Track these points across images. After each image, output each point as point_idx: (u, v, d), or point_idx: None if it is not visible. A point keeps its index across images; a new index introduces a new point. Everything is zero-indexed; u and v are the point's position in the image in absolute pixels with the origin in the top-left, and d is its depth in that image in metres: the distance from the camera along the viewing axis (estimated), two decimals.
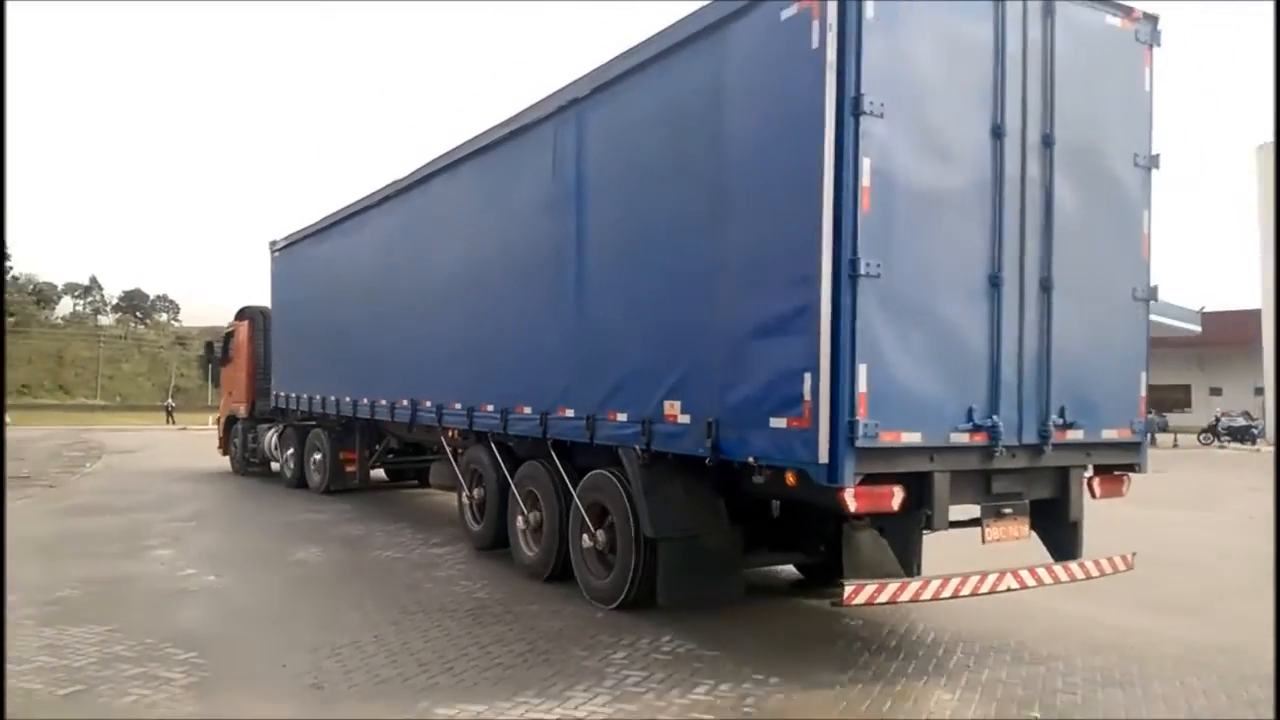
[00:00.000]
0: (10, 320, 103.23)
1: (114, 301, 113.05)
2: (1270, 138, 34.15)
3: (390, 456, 15.28)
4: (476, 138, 9.70)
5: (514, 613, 7.43)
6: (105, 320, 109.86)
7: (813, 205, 5.45)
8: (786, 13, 5.76)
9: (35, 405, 77.96)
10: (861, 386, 5.37)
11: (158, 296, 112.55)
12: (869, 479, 5.50)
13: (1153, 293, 6.70)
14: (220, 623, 7.14)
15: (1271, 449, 31.13)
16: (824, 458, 5.42)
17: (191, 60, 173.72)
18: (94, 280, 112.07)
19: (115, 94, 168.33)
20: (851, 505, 5.49)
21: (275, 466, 17.66)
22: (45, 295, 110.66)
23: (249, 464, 18.81)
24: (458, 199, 10.24)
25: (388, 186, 12.04)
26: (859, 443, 5.35)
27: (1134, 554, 6.71)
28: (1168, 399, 43.57)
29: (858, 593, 5.64)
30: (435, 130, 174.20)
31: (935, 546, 6.79)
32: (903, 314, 5.58)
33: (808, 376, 5.50)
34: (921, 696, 5.49)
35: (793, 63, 5.70)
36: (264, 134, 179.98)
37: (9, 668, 5.71)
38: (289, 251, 16.59)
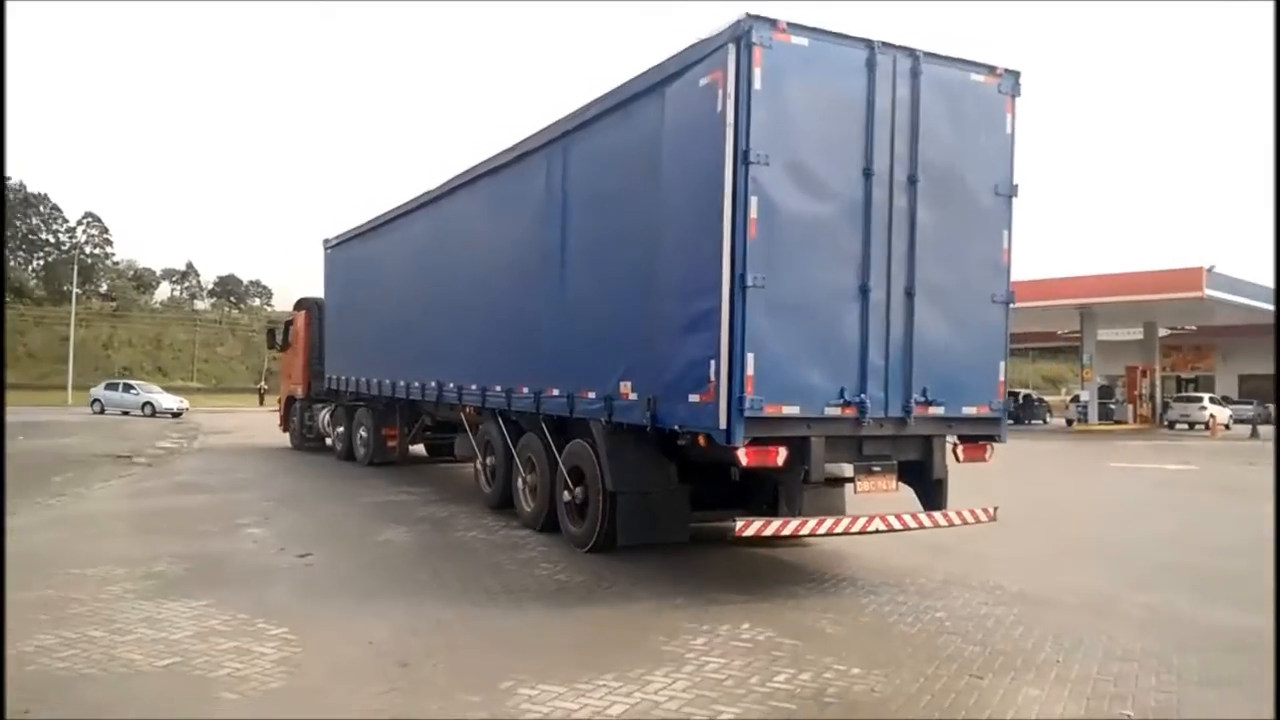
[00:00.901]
0: (111, 305, 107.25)
1: (210, 287, 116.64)
2: None
3: (427, 433, 16.70)
4: (490, 159, 11.39)
5: (595, 597, 7.48)
6: (201, 305, 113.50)
7: (716, 232, 7.02)
8: (703, 81, 7.35)
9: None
10: (749, 370, 6.94)
11: (251, 282, 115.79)
12: (756, 441, 7.08)
13: (1010, 296, 8.18)
14: (310, 600, 7.33)
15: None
16: (723, 424, 7.01)
17: (284, 60, 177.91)
18: (190, 266, 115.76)
19: (214, 89, 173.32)
20: (743, 461, 7.09)
21: (329, 442, 19.46)
22: (144, 280, 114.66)
23: (305, 440, 20.87)
24: (474, 212, 12.07)
25: (420, 196, 13.92)
26: (747, 413, 6.93)
27: (996, 508, 8.33)
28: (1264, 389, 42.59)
29: (747, 527, 7.32)
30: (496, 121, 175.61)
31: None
32: (784, 315, 7.13)
33: (713, 363, 7.07)
34: (1009, 692, 5.36)
35: (704, 120, 7.27)
36: (347, 125, 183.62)
37: (113, 637, 5.95)
38: (339, 249, 18.77)
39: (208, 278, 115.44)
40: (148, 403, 41.69)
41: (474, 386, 11.55)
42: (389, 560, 9.03)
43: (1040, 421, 46.06)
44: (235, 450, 21.81)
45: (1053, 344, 57.90)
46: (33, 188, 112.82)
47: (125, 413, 40.74)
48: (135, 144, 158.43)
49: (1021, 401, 46.21)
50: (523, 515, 10.58)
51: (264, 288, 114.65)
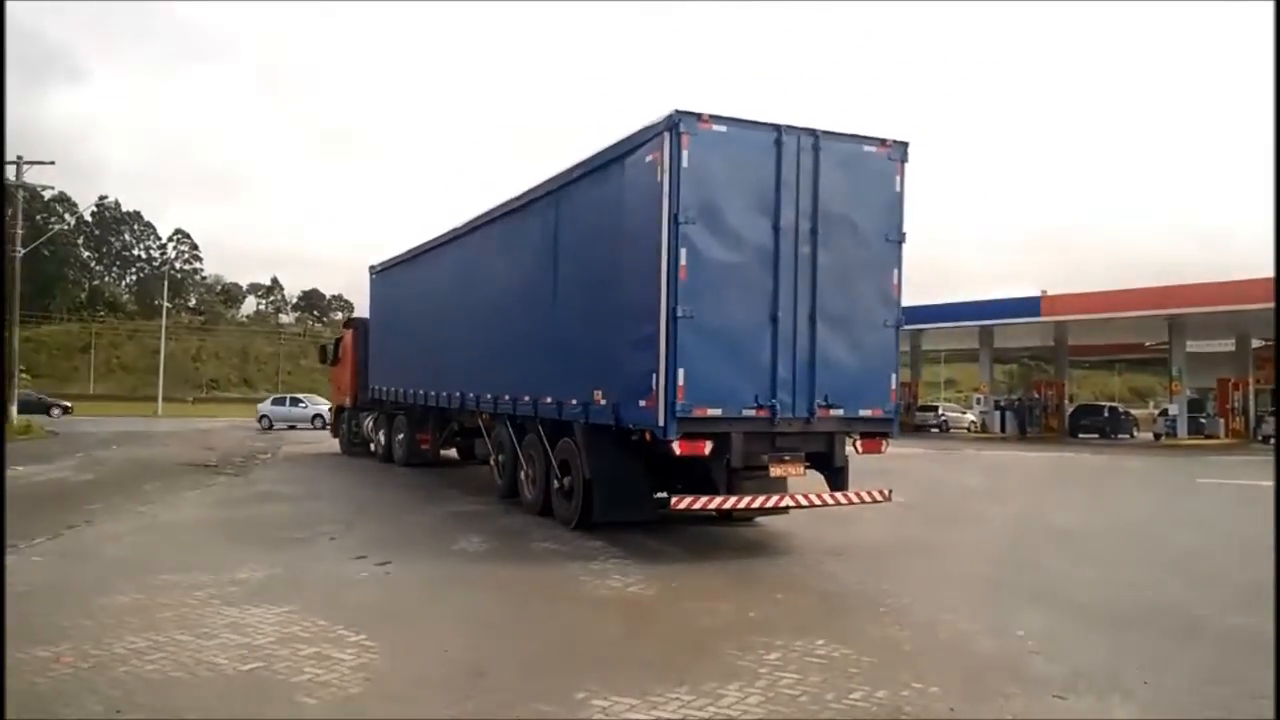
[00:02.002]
0: (200, 318, 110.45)
1: (294, 301, 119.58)
2: None
3: (456, 438, 18.76)
4: (501, 204, 13.49)
5: (667, 609, 7.48)
6: (285, 319, 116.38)
7: (655, 275, 9.05)
8: (648, 158, 9.38)
9: (223, 398, 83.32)
10: (680, 381, 8.92)
11: (333, 296, 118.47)
12: (687, 435, 9.06)
13: (899, 321, 10.03)
14: (388, 607, 7.44)
15: None
16: (661, 423, 9.00)
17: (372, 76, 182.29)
18: (275, 281, 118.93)
19: (301, 124, 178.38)
20: (677, 451, 9.05)
21: (372, 447, 21.61)
22: (232, 295, 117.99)
23: (353, 444, 23.00)
24: (489, 248, 14.21)
25: (448, 232, 16.20)
26: (679, 414, 8.94)
27: (890, 490, 10.25)
28: None
29: (680, 501, 9.31)
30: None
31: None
32: (708, 338, 9.05)
33: (654, 375, 9.08)
34: (1094, 713, 5.21)
35: (648, 188, 9.28)
36: (421, 146, 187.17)
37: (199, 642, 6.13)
38: (382, 274, 21.13)
39: (292, 292, 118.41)
40: (318, 415, 39.40)
41: (489, 396, 13.69)
42: (464, 569, 9.15)
43: (1127, 435, 44.70)
44: (313, 459, 22.29)
45: (1140, 355, 56.32)
46: (127, 206, 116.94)
47: (292, 426, 39.29)
48: (224, 163, 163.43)
49: (1108, 415, 44.91)
50: (525, 502, 12.62)
51: (345, 302, 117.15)
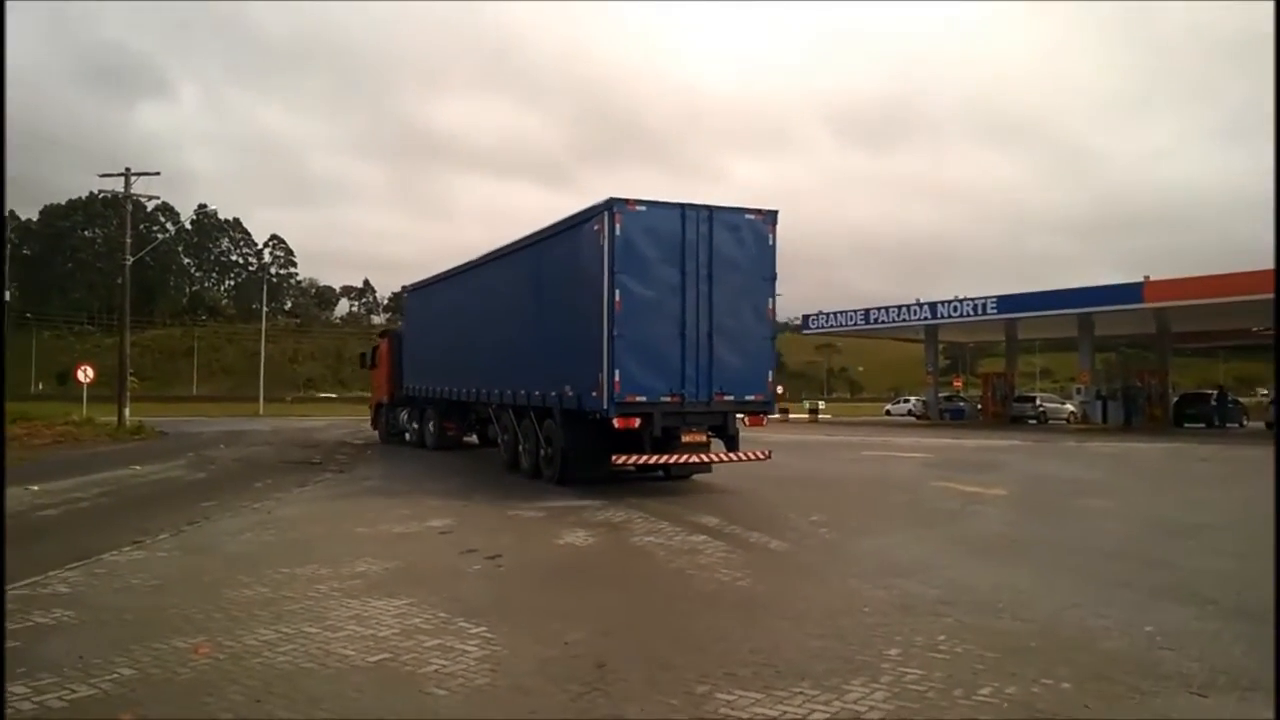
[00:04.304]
0: (295, 321, 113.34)
1: (384, 302, 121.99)
2: None
3: (475, 425, 23.26)
4: (507, 245, 17.89)
5: (781, 603, 7.42)
6: (377, 319, 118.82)
7: (600, 307, 13.27)
8: (595, 227, 13.56)
9: (318, 398, 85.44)
10: (617, 378, 13.13)
11: None
12: (622, 414, 13.28)
13: (773, 334, 14.51)
14: (504, 599, 7.54)
15: None
16: (606, 406, 13.22)
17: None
18: (367, 283, 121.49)
19: (391, 131, 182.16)
20: (616, 425, 13.30)
21: (406, 436, 25.90)
22: (325, 297, 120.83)
23: (390, 434, 27.18)
24: (497, 278, 18.46)
25: (467, 263, 20.69)
26: (617, 400, 13.14)
27: (770, 450, 14.93)
28: None
29: (617, 459, 13.65)
30: None
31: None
32: (635, 349, 13.28)
33: (600, 374, 13.27)
34: (1237, 712, 5.00)
35: (595, 248, 13.52)
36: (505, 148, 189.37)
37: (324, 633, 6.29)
38: (414, 294, 26.04)
39: (383, 294, 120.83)
40: None
41: (496, 391, 17.99)
42: (574, 563, 9.23)
43: (1237, 424, 42.98)
44: (410, 455, 22.70)
45: (1246, 342, 54.05)
46: (224, 214, 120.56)
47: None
48: (316, 170, 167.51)
49: (1215, 403, 43.13)
50: (522, 468, 17.06)
51: None
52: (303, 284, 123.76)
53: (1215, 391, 44.86)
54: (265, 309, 75.28)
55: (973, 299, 43.96)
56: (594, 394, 13.47)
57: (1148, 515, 12.96)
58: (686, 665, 5.70)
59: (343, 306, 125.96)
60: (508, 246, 17.75)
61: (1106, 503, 14.16)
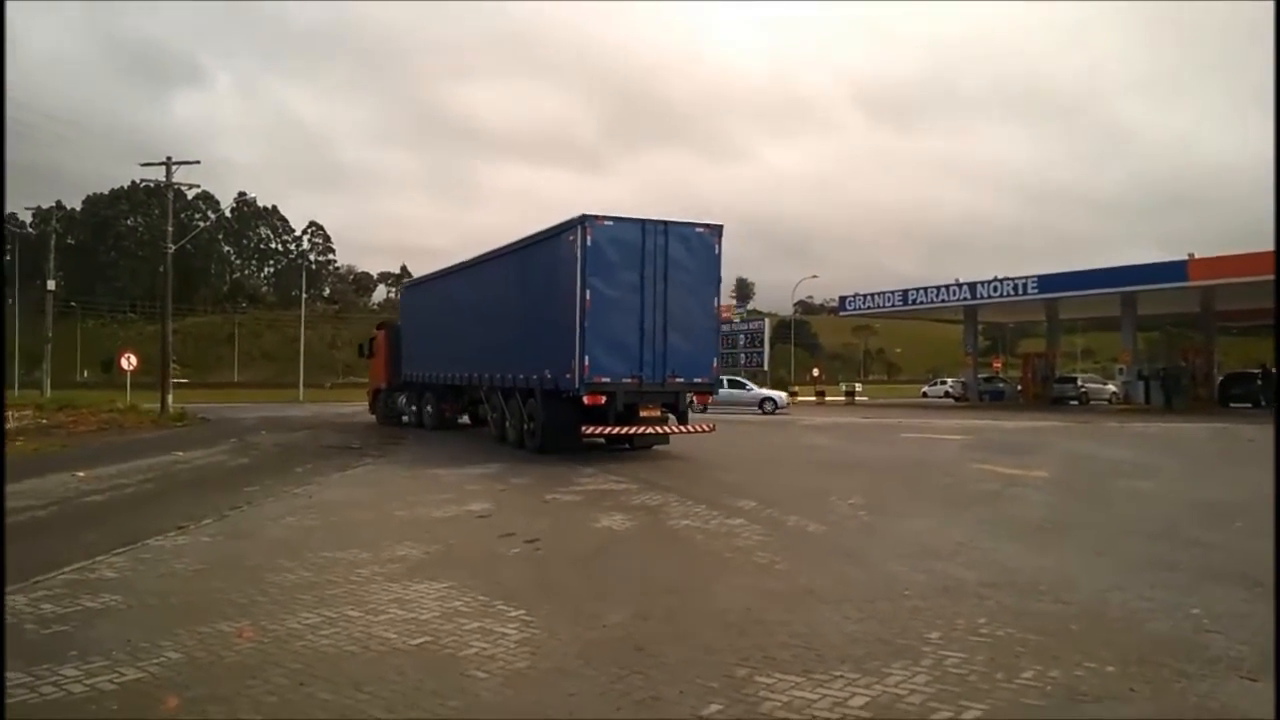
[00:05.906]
0: (334, 307, 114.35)
1: None
2: None
3: (470, 408, 25.42)
4: (493, 250, 21.25)
5: (817, 586, 7.36)
6: None
7: (574, 304, 16.28)
8: (570, 238, 16.57)
9: (358, 383, 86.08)
10: (586, 363, 16.18)
11: None
12: (591, 393, 16.33)
13: (717, 326, 18.13)
14: (543, 583, 7.56)
15: None
16: (577, 386, 16.29)
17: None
18: (404, 269, 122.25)
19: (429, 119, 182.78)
20: (586, 402, 16.41)
21: (405, 419, 28.53)
22: (363, 284, 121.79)
23: (387, 417, 29.68)
24: (487, 277, 21.60)
25: (459, 264, 24.10)
26: (586, 381, 16.21)
27: (714, 425, 19.99)
28: None
29: (587, 429, 16.89)
30: None
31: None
32: (602, 340, 16.29)
33: (573, 360, 16.30)
34: None
35: (570, 256, 16.51)
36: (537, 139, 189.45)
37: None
38: (410, 290, 31.59)
39: None
40: (768, 399, 39.04)
41: (487, 375, 21.10)
42: (611, 546, 9.24)
43: None
44: (439, 440, 22.86)
45: None
46: (262, 202, 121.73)
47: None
48: (350, 157, 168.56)
49: (1262, 382, 42.18)
50: (508, 441, 19.98)
51: None
52: (341, 270, 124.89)
53: (1260, 370, 43.95)
54: (304, 296, 76.07)
55: (1013, 279, 43.48)
56: (568, 376, 16.41)
57: (1192, 496, 12.78)
58: (726, 648, 5.70)
59: (380, 293, 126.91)
60: (496, 251, 21.05)
61: (1150, 484, 13.98)
